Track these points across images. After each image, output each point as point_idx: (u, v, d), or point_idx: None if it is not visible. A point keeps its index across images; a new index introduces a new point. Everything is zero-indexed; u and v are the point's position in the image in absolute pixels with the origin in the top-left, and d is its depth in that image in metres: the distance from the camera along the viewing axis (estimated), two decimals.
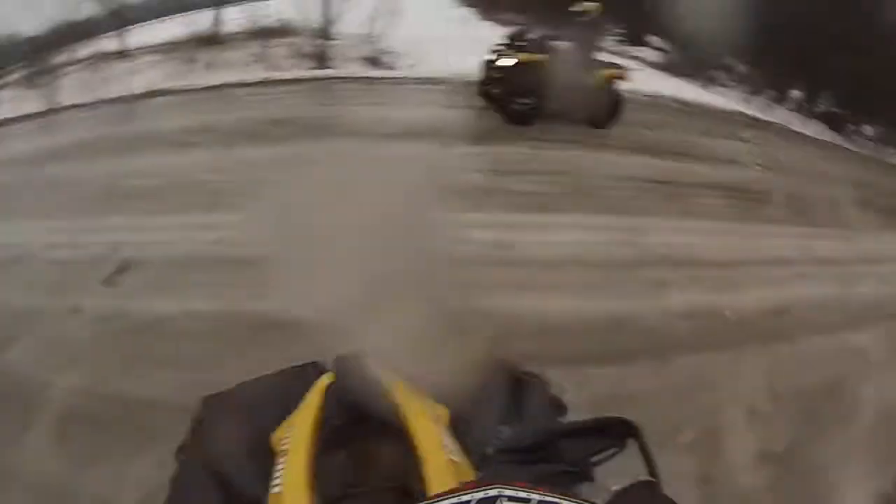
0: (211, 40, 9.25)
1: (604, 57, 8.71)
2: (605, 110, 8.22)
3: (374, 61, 9.12)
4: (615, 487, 1.05)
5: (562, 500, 0.73)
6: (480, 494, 0.72)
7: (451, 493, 0.73)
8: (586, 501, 0.75)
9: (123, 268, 5.08)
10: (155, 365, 4.06)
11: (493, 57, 7.84)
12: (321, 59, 8.99)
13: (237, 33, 9.37)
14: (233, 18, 9.42)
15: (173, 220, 5.62)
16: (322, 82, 8.76)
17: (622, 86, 8.42)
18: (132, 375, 4.00)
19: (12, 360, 4.30)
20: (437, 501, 0.73)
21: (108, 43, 9.15)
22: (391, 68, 9.06)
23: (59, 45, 8.86)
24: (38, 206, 6.00)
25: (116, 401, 3.82)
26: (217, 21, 9.42)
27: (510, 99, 7.73)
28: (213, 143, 6.87)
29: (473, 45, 8.89)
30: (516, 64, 7.61)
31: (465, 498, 0.72)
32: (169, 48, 9.11)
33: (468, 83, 8.74)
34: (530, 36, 7.86)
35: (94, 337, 4.41)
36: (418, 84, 8.79)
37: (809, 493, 4.31)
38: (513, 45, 7.77)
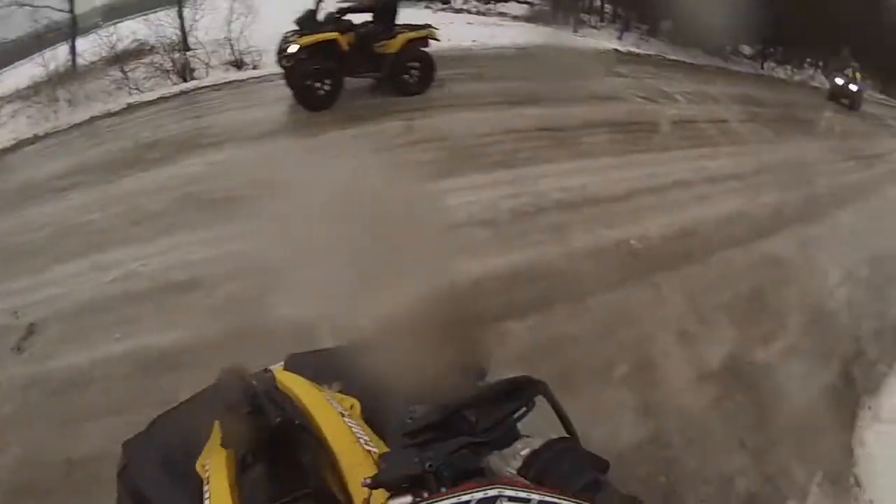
0: (70, 76, 8.77)
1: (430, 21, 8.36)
2: (413, 75, 7.99)
3: (237, 64, 8.90)
4: (525, 452, 1.14)
5: (561, 500, 0.77)
6: (480, 494, 0.74)
7: (452, 493, 0.76)
8: (585, 501, 0.79)
9: (30, 331, 4.88)
10: (85, 419, 3.98)
11: (283, 45, 7.54)
12: (183, 72, 8.70)
13: (94, 62, 8.89)
14: (88, 48, 8.92)
15: (67, 269, 5.42)
16: (188, 95, 8.49)
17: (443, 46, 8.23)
18: (67, 435, 3.91)
19: None
20: (438, 501, 0.76)
21: None
22: (256, 68, 8.84)
23: None
24: None
25: (58, 465, 3.72)
26: (72, 54, 8.93)
27: (306, 84, 7.47)
28: (89, 181, 6.62)
29: None
30: (300, 49, 7.32)
31: (465, 498, 0.74)
32: (29, 93, 8.57)
33: None
34: (321, 15, 7.53)
35: (18, 408, 4.26)
36: None
37: (756, 403, 4.37)
38: (301, 29, 7.45)
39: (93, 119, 8.17)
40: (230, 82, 8.70)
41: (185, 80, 8.72)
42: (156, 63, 8.78)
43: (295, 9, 7.97)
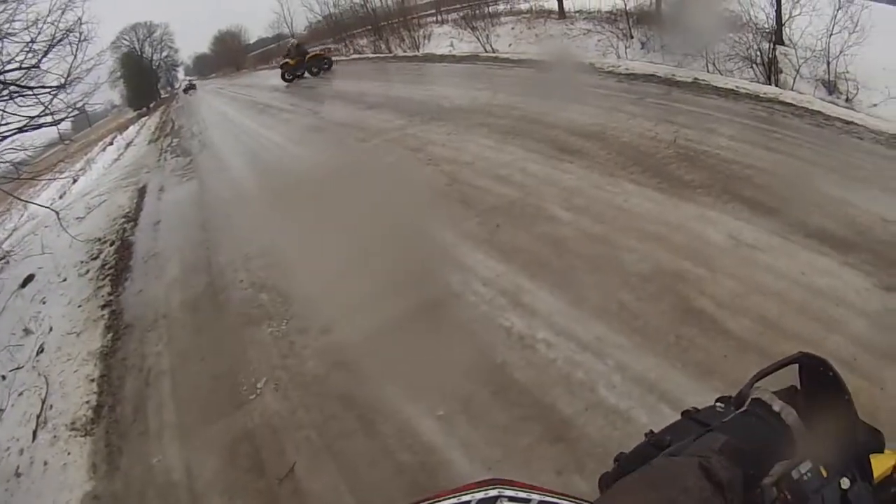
0: None
1: None
2: None
3: None
4: None
5: (562, 500, 0.78)
6: (480, 494, 0.75)
7: (452, 492, 0.76)
8: (585, 500, 0.81)
9: None
10: None
11: None
12: None
13: None
14: None
15: None
16: None
17: None
18: None
19: None
20: (438, 501, 0.75)
21: None
22: None
23: None
24: None
25: None
26: None
27: None
28: None
29: None
30: None
31: (465, 498, 0.74)
32: None
33: None
34: None
35: None
36: None
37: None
38: None
39: None
40: None
41: None
42: None
43: None
